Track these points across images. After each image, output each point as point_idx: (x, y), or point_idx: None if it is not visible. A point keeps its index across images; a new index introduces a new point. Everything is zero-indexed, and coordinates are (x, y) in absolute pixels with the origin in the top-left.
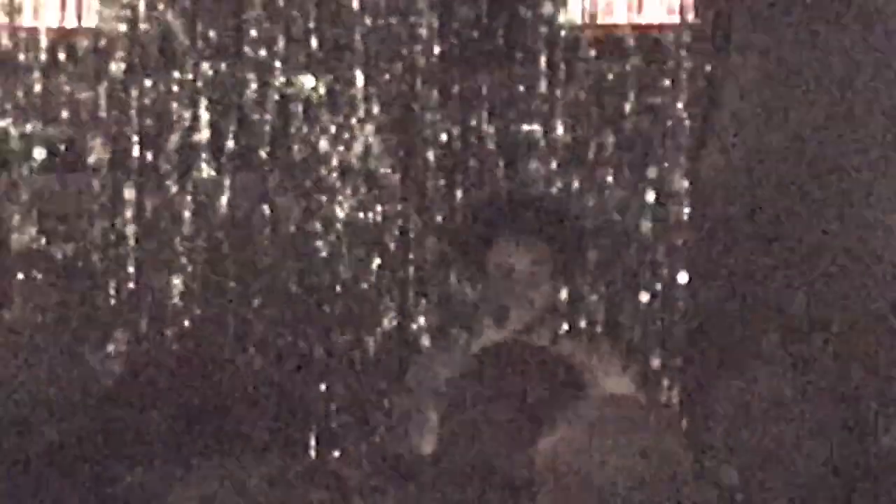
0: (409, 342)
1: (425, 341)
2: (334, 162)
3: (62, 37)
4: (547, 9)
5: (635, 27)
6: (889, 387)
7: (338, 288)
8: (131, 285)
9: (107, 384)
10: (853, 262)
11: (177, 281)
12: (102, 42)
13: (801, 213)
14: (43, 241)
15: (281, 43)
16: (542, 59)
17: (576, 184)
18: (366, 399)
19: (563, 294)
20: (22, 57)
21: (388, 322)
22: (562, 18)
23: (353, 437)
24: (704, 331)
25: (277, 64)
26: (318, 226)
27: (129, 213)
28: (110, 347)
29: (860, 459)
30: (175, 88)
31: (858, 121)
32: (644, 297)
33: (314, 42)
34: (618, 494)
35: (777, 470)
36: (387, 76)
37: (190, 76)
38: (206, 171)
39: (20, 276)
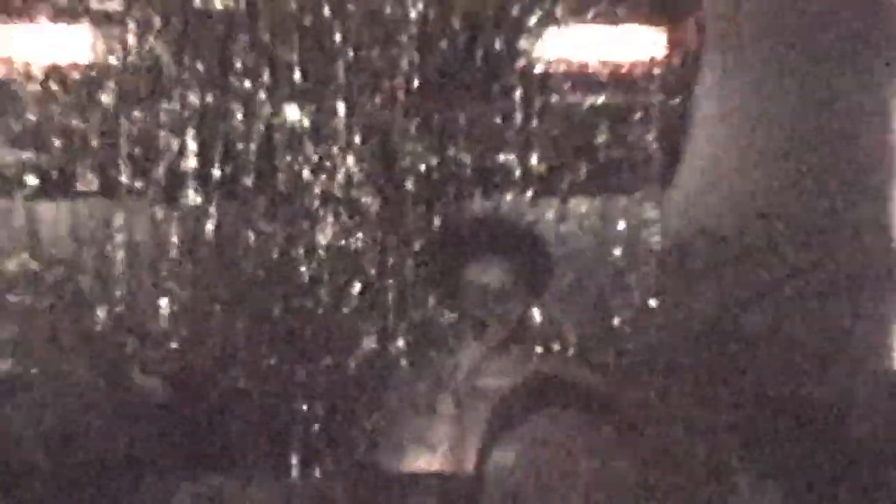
0: (388, 364)
1: (404, 363)
2: (317, 190)
3: (55, 69)
4: (522, 44)
5: (607, 63)
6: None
7: (319, 311)
8: (119, 308)
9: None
10: (818, 289)
11: (164, 304)
12: (93, 74)
13: (767, 242)
14: (34, 265)
15: (266, 75)
16: (518, 93)
17: (550, 212)
18: (346, 418)
19: (538, 316)
20: (16, 88)
21: (368, 344)
22: (537, 53)
23: (334, 455)
24: (674, 354)
25: (262, 95)
26: (300, 251)
27: (117, 238)
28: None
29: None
30: (163, 118)
31: (826, 155)
32: (616, 320)
33: (298, 74)
34: None
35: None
36: (368, 107)
37: (177, 106)
38: (193, 198)
39: (12, 298)
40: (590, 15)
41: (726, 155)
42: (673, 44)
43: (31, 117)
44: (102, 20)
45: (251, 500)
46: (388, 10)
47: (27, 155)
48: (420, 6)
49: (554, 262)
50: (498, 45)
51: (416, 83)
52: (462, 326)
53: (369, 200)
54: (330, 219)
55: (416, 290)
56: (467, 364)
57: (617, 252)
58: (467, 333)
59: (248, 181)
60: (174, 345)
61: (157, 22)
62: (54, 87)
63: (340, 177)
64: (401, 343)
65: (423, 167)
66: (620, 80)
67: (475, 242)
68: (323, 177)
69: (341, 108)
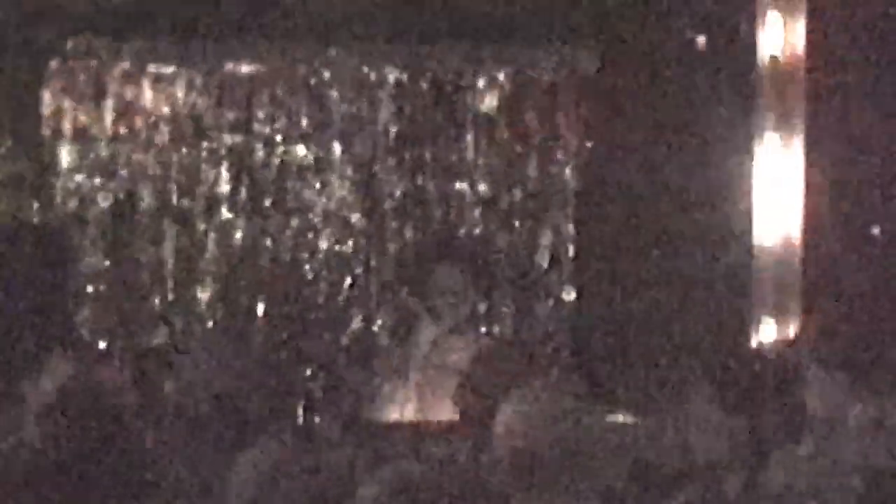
0: (371, 339)
1: (383, 339)
2: (318, 209)
3: (122, 115)
4: (472, 99)
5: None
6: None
7: (320, 300)
8: (170, 297)
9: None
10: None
11: (203, 294)
12: (151, 120)
13: (653, 250)
14: (106, 262)
15: (281, 122)
16: (469, 136)
17: (492, 227)
18: (340, 380)
19: (483, 306)
20: (93, 130)
21: (356, 324)
22: (483, 107)
23: (330, 407)
24: (586, 333)
25: (278, 137)
26: (305, 255)
27: (169, 243)
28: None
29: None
30: (204, 154)
31: (697, 180)
32: (541, 309)
33: (305, 121)
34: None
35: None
36: (357, 147)
37: (214, 145)
38: (225, 214)
39: (90, 288)
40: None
41: (622, 184)
42: (585, 99)
43: (104, 153)
44: (158, 79)
45: (268, 441)
46: (372, 75)
47: (100, 181)
48: (396, 73)
49: (498, 269)
50: (454, 100)
51: (393, 129)
52: (426, 311)
53: (357, 217)
54: (328, 230)
55: (392, 285)
56: (427, 343)
57: (542, 258)
58: (429, 315)
59: (267, 201)
60: (210, 324)
61: (198, 81)
62: (122, 130)
63: (335, 199)
64: (380, 323)
65: (397, 192)
66: (547, 129)
67: (440, 254)
68: (322, 199)
69: (337, 147)
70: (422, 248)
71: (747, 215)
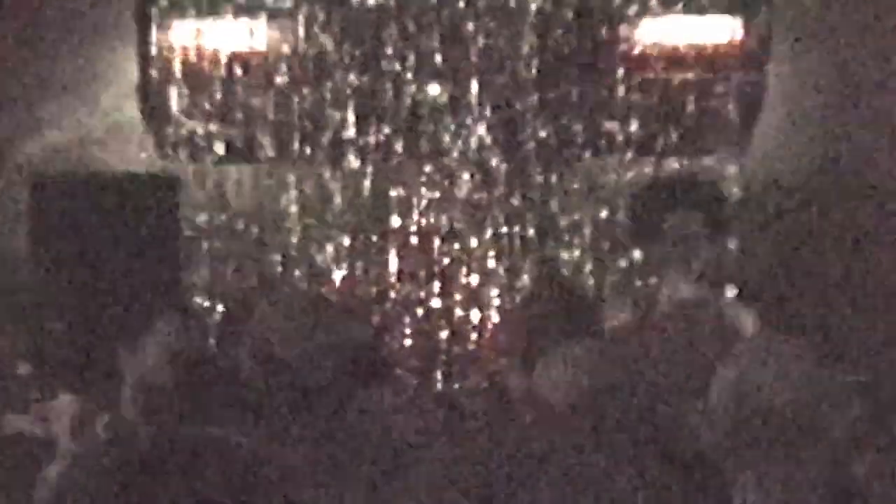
0: (515, 297)
1: (530, 294)
2: (454, 153)
3: (237, 56)
4: (623, 31)
5: (694, 46)
6: None
7: (456, 252)
8: (293, 252)
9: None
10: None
11: (329, 246)
12: (269, 59)
13: (824, 192)
14: (223, 216)
15: (412, 58)
16: (619, 71)
17: (647, 170)
18: (478, 344)
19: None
20: (207, 72)
21: (498, 280)
22: (635, 38)
23: (468, 373)
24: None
25: (408, 75)
26: (443, 205)
27: (291, 194)
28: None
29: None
30: (327, 96)
31: (877, 123)
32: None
33: (438, 58)
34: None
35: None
36: (496, 85)
37: (339, 86)
38: (353, 161)
39: (204, 245)
40: (679, 6)
41: (794, 120)
42: (749, 29)
43: (218, 96)
44: (276, 15)
45: (406, 407)
46: (511, 3)
47: (215, 127)
48: (538, 1)
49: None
50: (603, 31)
51: (535, 64)
52: (663, 264)
53: (497, 162)
54: (465, 177)
55: (537, 235)
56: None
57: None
58: (672, 269)
59: (398, 147)
60: (338, 282)
61: (321, 16)
62: (237, 70)
63: (473, 142)
64: (525, 279)
65: (541, 134)
66: (705, 59)
67: (675, 197)
68: (459, 143)
69: (474, 85)
70: (655, 192)
71: None
